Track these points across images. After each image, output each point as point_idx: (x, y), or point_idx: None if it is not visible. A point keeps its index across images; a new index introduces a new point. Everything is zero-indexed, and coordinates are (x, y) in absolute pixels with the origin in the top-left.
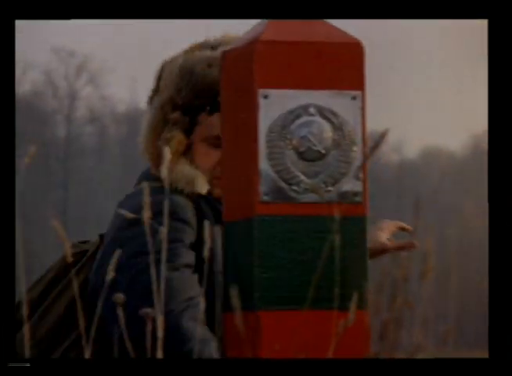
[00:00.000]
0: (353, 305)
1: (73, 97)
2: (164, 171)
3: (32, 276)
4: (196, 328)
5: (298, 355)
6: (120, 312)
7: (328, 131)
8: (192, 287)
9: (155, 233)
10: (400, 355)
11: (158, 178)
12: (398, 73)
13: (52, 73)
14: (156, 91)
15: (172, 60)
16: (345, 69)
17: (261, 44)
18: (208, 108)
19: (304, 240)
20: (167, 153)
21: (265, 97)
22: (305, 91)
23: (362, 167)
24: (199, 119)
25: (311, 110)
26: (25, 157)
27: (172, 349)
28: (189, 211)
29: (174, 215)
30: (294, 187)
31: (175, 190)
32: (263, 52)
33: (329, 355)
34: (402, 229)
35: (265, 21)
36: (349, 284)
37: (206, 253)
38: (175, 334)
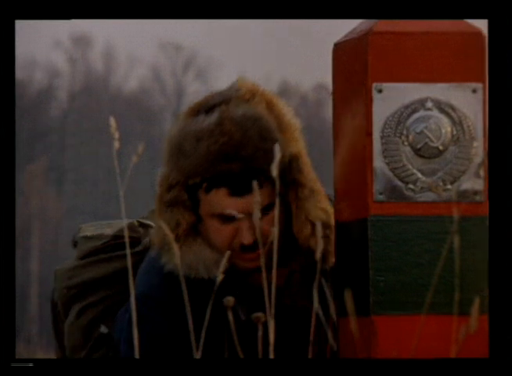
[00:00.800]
0: (475, 311)
1: (180, 93)
2: (168, 261)
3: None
4: None
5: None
6: (230, 316)
7: (447, 127)
8: None
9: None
10: None
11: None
12: None
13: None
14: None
15: (169, 131)
16: (465, 60)
17: (375, 35)
18: (205, 185)
19: (421, 241)
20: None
21: (380, 91)
22: (422, 84)
23: (484, 164)
24: (199, 196)
25: (429, 104)
26: (133, 155)
27: None
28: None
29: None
30: (411, 186)
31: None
32: (378, 43)
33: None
34: None
35: None
36: (469, 288)
37: (318, 255)
38: None
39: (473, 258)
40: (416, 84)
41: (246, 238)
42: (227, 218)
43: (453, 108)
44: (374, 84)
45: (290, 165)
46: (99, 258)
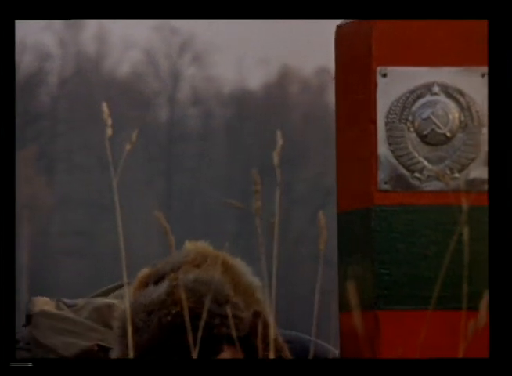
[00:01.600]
0: (484, 305)
1: (176, 78)
2: None
3: (134, 272)
4: None
5: (423, 358)
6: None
7: (454, 112)
8: None
9: None
10: None
11: None
12: None
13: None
14: None
15: (117, 307)
16: (474, 43)
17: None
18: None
19: (428, 232)
20: None
21: (384, 76)
22: (428, 68)
23: None
24: None
25: (436, 88)
26: (127, 143)
27: None
28: None
29: None
30: (417, 174)
31: None
32: (382, 26)
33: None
34: None
35: None
36: (479, 282)
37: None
38: None
39: (482, 249)
40: (422, 68)
41: None
42: None
43: (461, 93)
44: (378, 69)
45: (255, 327)
46: None
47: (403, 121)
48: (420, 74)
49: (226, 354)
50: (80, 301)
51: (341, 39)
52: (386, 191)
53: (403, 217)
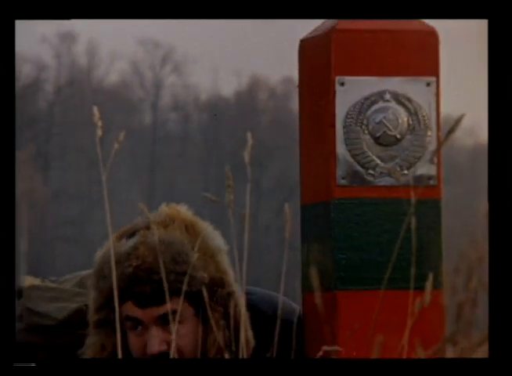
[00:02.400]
0: (429, 285)
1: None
2: None
3: None
4: None
5: (376, 334)
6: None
7: (403, 117)
8: None
9: None
10: (475, 334)
11: None
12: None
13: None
14: None
15: (96, 254)
16: (420, 56)
17: (338, 32)
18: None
19: (381, 222)
20: None
21: (342, 84)
22: (381, 78)
23: (437, 151)
24: (122, 311)
25: (387, 96)
26: (115, 143)
27: None
28: None
29: None
30: (371, 171)
31: None
32: (340, 40)
33: (406, 334)
34: None
35: None
36: (425, 265)
37: (287, 234)
38: None
39: (427, 237)
40: (376, 77)
41: (152, 347)
42: (131, 327)
43: (409, 100)
44: (337, 78)
45: (212, 286)
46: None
47: (359, 124)
48: (373, 83)
49: (172, 305)
50: (63, 278)
51: (304, 52)
52: (344, 186)
53: (359, 209)
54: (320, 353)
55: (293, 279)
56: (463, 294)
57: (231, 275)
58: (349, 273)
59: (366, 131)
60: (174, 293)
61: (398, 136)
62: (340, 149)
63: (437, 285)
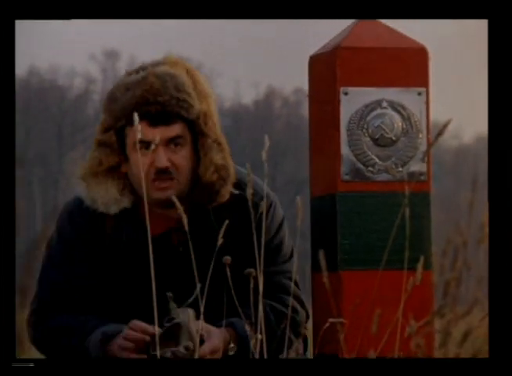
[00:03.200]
0: (420, 266)
1: None
2: (81, 192)
3: None
4: None
5: (375, 308)
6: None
7: (398, 122)
8: None
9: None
10: (460, 308)
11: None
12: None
13: None
14: None
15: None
16: (412, 70)
17: (342, 50)
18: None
19: (379, 212)
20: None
21: (346, 94)
22: (379, 88)
23: (427, 151)
24: (126, 133)
25: (384, 104)
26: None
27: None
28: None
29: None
30: (370, 168)
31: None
32: (344, 56)
33: (401, 308)
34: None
35: (346, 30)
36: (416, 248)
37: (298, 223)
38: None
39: (419, 225)
40: (374, 88)
41: (160, 161)
42: (146, 147)
43: (403, 107)
44: (341, 89)
45: (199, 119)
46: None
47: (360, 128)
48: (372, 93)
49: (174, 126)
50: None
51: (313, 66)
52: (347, 181)
53: (360, 200)
54: (327, 324)
55: (304, 261)
56: (449, 273)
57: (216, 116)
58: (352, 256)
59: (366, 134)
60: (177, 117)
61: (394, 138)
62: (344, 149)
63: (427, 266)
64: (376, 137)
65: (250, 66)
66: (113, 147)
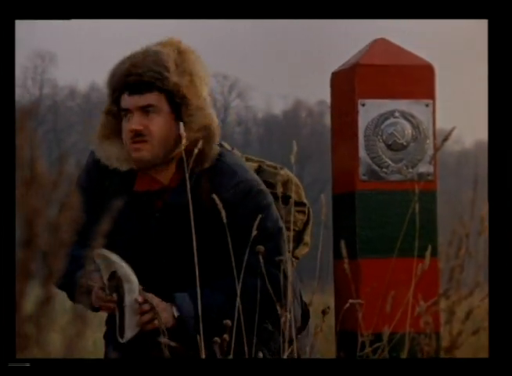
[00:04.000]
0: (428, 254)
1: (226, 107)
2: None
3: None
4: None
5: (389, 290)
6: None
7: (408, 129)
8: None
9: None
10: (463, 290)
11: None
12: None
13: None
14: None
15: None
16: (421, 84)
17: (360, 67)
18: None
19: (392, 207)
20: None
21: (363, 105)
22: (392, 100)
23: (434, 155)
24: (121, 105)
25: (396, 114)
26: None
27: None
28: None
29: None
30: (384, 170)
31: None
32: (362, 72)
33: (411, 290)
34: None
35: (363, 49)
36: (425, 239)
37: (323, 216)
38: None
39: (427, 218)
40: (388, 100)
41: (133, 124)
42: (125, 114)
43: (413, 116)
44: (359, 100)
45: (178, 90)
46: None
47: (375, 134)
48: (386, 104)
49: (149, 94)
50: None
51: (335, 81)
52: (364, 181)
53: (376, 197)
54: (347, 305)
55: (327, 250)
56: (454, 261)
57: (206, 93)
58: (369, 245)
59: (381, 140)
60: (151, 87)
61: (405, 144)
62: (362, 153)
63: (434, 254)
64: (390, 143)
65: (279, 81)
66: (114, 114)
